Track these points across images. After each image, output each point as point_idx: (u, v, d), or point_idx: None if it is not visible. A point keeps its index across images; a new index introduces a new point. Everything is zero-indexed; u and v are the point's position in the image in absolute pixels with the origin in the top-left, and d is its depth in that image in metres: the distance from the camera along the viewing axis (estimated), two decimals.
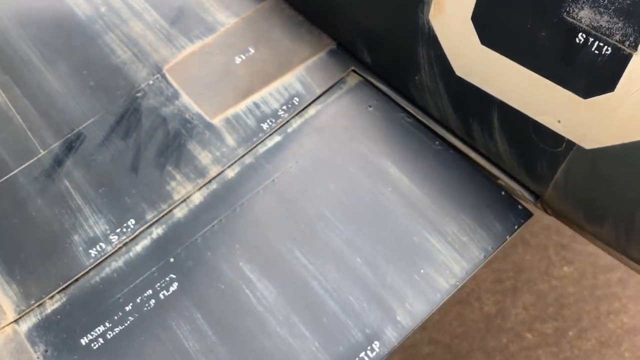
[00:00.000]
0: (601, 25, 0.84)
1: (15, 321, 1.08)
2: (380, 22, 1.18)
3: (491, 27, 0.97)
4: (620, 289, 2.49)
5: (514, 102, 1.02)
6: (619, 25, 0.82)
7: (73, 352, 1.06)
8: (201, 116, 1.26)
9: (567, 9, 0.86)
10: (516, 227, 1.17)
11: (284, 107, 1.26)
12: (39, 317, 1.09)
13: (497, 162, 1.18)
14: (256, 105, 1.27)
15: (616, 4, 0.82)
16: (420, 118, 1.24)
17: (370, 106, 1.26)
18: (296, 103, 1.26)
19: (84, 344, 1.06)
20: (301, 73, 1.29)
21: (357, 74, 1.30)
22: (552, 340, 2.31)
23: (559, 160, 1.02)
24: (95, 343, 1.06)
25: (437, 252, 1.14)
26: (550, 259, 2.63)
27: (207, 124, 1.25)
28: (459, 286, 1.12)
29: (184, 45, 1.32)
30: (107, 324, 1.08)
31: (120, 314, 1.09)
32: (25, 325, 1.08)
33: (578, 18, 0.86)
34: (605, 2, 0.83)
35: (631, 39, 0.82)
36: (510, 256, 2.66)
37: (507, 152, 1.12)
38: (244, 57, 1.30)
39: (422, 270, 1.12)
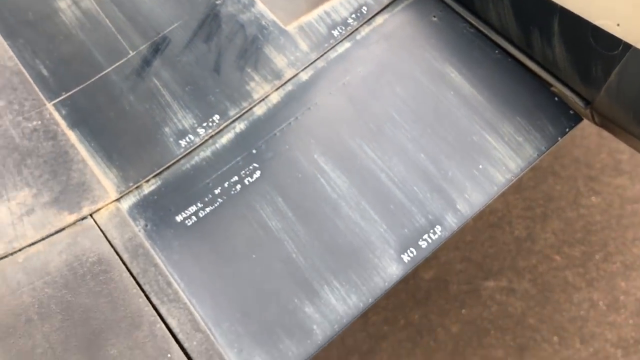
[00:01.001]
0: None
1: (117, 200, 1.22)
2: None
3: None
4: None
5: (576, 8, 1.11)
6: None
7: (169, 227, 1.19)
8: (276, 23, 1.36)
9: None
10: (567, 129, 1.27)
11: (353, 16, 1.35)
12: (137, 197, 1.22)
13: (552, 70, 1.28)
14: (327, 13, 1.36)
15: None
16: (482, 28, 1.33)
17: (434, 16, 1.35)
18: (365, 12, 1.35)
19: (178, 220, 1.20)
20: None
21: None
22: (579, 262, 2.43)
23: (614, 64, 1.12)
24: (188, 220, 1.20)
25: (495, 150, 1.25)
26: (579, 189, 2.73)
27: (281, 30, 1.35)
28: (514, 180, 1.24)
29: None
30: (198, 204, 1.21)
31: (210, 196, 1.22)
32: (126, 204, 1.21)
33: None
34: None
35: None
36: (541, 186, 2.76)
37: (563, 59, 1.21)
38: None
39: (480, 166, 1.24)
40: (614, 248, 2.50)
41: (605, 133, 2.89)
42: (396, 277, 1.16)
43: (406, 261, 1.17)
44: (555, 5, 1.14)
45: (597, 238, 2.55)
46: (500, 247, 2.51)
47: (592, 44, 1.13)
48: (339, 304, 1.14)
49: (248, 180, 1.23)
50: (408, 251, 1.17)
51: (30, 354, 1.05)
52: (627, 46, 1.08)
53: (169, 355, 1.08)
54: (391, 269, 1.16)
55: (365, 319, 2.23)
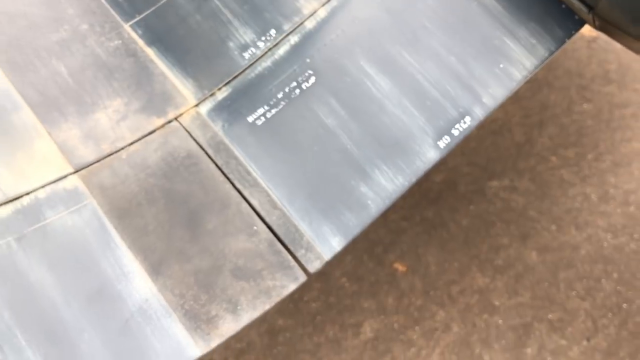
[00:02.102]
0: None
1: (196, 105, 1.44)
2: None
3: None
4: (633, 121, 2.85)
5: None
6: None
7: (243, 126, 1.42)
8: None
9: None
10: (573, 32, 1.49)
11: None
12: (213, 102, 1.44)
13: None
14: None
15: None
16: None
17: None
18: None
19: (250, 121, 1.43)
20: None
21: None
22: (573, 162, 2.70)
23: None
24: (258, 120, 1.42)
25: (512, 51, 1.47)
26: (571, 98, 2.98)
27: None
28: (529, 77, 1.47)
29: None
30: (265, 107, 1.43)
31: (274, 100, 1.44)
32: (204, 108, 1.43)
33: None
34: None
35: None
36: (537, 96, 3.01)
37: None
38: None
39: (501, 65, 1.46)
40: (604, 148, 2.77)
41: (594, 44, 3.12)
42: (434, 160, 1.40)
43: (442, 147, 1.41)
44: None
45: (589, 140, 2.81)
46: (502, 151, 2.77)
47: None
48: (388, 184, 1.39)
49: (305, 85, 1.45)
50: (443, 139, 1.41)
51: (144, 230, 1.30)
52: None
53: (254, 227, 1.33)
54: (430, 154, 1.41)
55: (385, 217, 2.50)
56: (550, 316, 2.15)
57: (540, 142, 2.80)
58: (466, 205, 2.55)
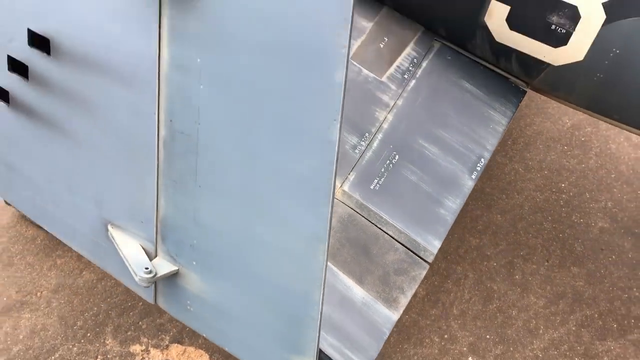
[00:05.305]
0: None
1: (341, 186, 2.51)
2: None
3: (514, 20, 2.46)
4: (528, 110, 4.18)
5: (510, 43, 2.53)
6: None
7: (369, 192, 2.53)
8: (375, 77, 2.65)
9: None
10: (522, 97, 2.73)
11: (411, 65, 2.68)
12: (349, 183, 2.53)
13: (518, 76, 2.71)
14: (398, 66, 2.68)
15: None
16: (472, 57, 2.73)
17: (448, 56, 2.72)
18: (416, 61, 2.69)
19: (371, 188, 2.53)
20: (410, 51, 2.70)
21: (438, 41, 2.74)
22: (500, 147, 3.99)
23: (540, 72, 2.57)
24: (376, 187, 2.54)
25: (494, 116, 2.69)
26: None
27: (379, 80, 2.65)
28: (505, 129, 2.69)
29: None
30: (377, 179, 2.54)
31: (380, 173, 2.55)
32: (345, 187, 2.51)
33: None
34: None
35: None
36: None
37: (518, 72, 2.64)
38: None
39: (490, 126, 2.67)
40: (516, 134, 4.08)
41: None
42: (471, 187, 2.59)
43: (473, 178, 2.60)
44: (513, 49, 2.55)
45: (506, 130, 4.10)
46: None
47: (533, 63, 2.57)
48: (452, 205, 2.56)
49: (394, 161, 2.57)
50: (473, 174, 2.60)
51: (346, 262, 2.38)
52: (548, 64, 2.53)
53: (395, 245, 2.45)
54: (469, 183, 2.59)
55: None
56: (521, 253, 3.45)
57: None
58: None
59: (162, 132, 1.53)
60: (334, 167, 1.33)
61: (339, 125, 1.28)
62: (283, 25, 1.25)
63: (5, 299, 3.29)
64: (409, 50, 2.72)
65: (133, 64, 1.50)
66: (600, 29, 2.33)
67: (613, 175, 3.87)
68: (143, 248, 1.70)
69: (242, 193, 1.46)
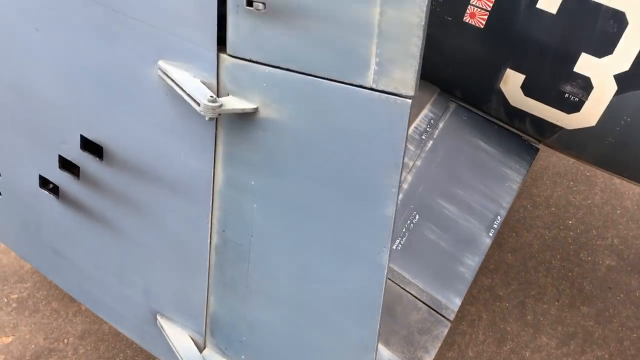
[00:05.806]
0: None
1: None
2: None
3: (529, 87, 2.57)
4: None
5: (524, 107, 2.64)
6: None
7: (392, 253, 2.64)
8: None
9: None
10: (534, 156, 2.84)
11: (428, 125, 2.78)
12: None
13: (531, 135, 2.82)
14: (416, 127, 2.78)
15: None
16: (487, 117, 2.83)
17: (464, 117, 2.83)
18: (433, 122, 2.79)
19: (394, 248, 2.64)
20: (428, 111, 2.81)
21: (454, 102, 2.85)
22: None
23: (554, 134, 2.68)
24: (398, 247, 2.64)
25: (509, 175, 2.80)
26: None
27: None
28: (520, 186, 2.79)
29: None
30: (399, 239, 2.65)
31: (402, 233, 2.66)
32: None
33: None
34: None
35: None
36: None
37: (532, 132, 2.75)
38: None
39: (506, 184, 2.78)
40: None
41: None
42: (489, 244, 2.70)
43: (491, 236, 2.71)
44: (527, 113, 2.66)
45: None
46: None
47: (548, 126, 2.68)
48: (471, 263, 2.67)
49: (414, 221, 2.68)
50: (490, 232, 2.71)
51: None
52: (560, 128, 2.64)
53: (418, 305, 2.56)
54: (487, 241, 2.70)
55: None
56: (532, 292, 3.57)
57: None
58: None
59: (215, 239, 1.63)
60: (382, 287, 1.43)
61: (388, 252, 1.39)
62: (337, 163, 1.36)
63: (33, 346, 3.39)
64: (426, 112, 2.83)
65: (187, 177, 1.60)
66: (612, 98, 2.44)
67: (618, 212, 3.99)
68: (192, 339, 1.80)
69: (293, 300, 1.57)
